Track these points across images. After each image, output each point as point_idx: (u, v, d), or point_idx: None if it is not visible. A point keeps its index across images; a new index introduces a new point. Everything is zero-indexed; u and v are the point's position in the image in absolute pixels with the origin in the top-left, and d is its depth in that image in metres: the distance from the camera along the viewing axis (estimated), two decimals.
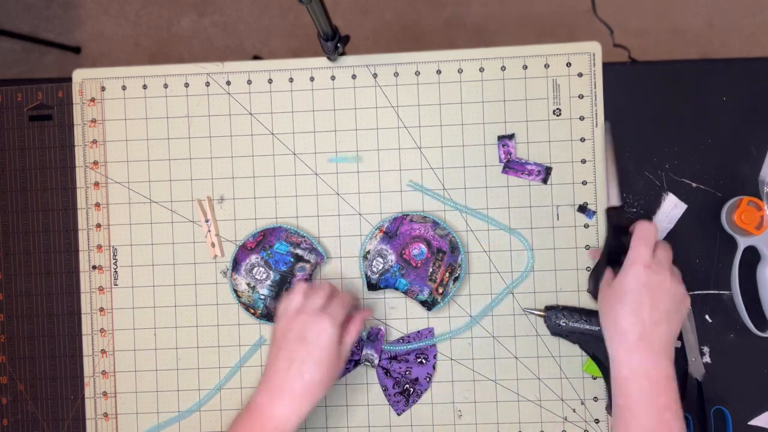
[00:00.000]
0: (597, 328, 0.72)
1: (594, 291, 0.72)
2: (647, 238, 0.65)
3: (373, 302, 0.78)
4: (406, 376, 0.76)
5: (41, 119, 0.80)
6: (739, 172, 0.78)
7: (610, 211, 0.74)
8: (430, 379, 0.77)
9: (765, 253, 0.75)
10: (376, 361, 0.76)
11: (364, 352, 0.76)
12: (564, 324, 0.74)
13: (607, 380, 0.73)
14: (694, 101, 0.78)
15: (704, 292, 0.77)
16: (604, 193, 0.76)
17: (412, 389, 0.76)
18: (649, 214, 0.77)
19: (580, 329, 0.73)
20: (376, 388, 0.78)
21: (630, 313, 0.62)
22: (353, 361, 0.77)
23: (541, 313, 0.75)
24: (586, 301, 0.77)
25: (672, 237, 0.77)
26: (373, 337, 0.77)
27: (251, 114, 0.79)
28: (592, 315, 0.74)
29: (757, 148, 0.77)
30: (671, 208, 0.77)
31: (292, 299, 0.68)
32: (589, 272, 0.76)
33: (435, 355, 0.77)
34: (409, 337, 0.77)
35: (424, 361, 0.76)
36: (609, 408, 0.74)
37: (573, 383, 0.77)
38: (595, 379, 0.76)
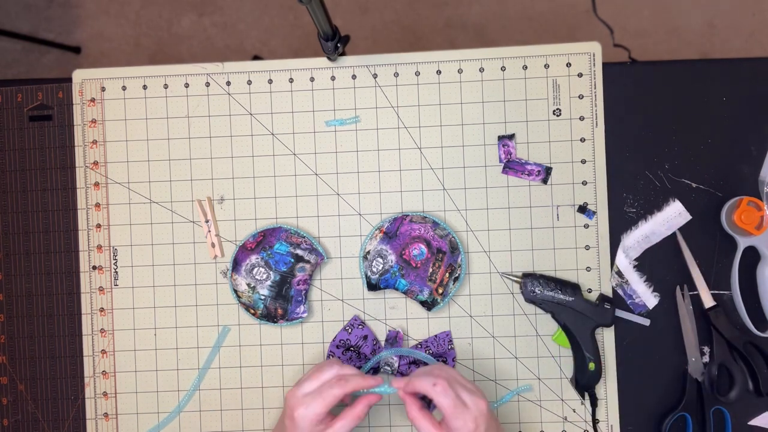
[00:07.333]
0: (571, 299, 0.74)
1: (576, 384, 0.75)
2: (445, 394, 0.62)
3: (373, 302, 0.78)
4: None
5: (41, 119, 0.80)
6: (739, 172, 0.78)
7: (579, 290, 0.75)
8: None
9: (765, 253, 0.75)
10: (396, 365, 0.76)
11: (384, 358, 0.76)
12: (538, 292, 0.74)
13: (575, 351, 0.74)
14: (694, 101, 0.78)
15: None
16: (605, 196, 0.77)
17: None
18: (648, 214, 0.77)
19: (554, 299, 0.74)
20: None
21: None
22: (372, 369, 0.76)
23: (518, 279, 0.76)
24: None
25: (671, 237, 0.77)
26: (391, 339, 0.77)
27: (251, 114, 0.79)
28: (567, 286, 0.74)
29: (757, 148, 0.77)
30: (674, 216, 0.76)
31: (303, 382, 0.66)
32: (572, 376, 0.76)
33: (454, 357, 0.77)
34: (427, 341, 0.77)
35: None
36: (573, 381, 0.75)
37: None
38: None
